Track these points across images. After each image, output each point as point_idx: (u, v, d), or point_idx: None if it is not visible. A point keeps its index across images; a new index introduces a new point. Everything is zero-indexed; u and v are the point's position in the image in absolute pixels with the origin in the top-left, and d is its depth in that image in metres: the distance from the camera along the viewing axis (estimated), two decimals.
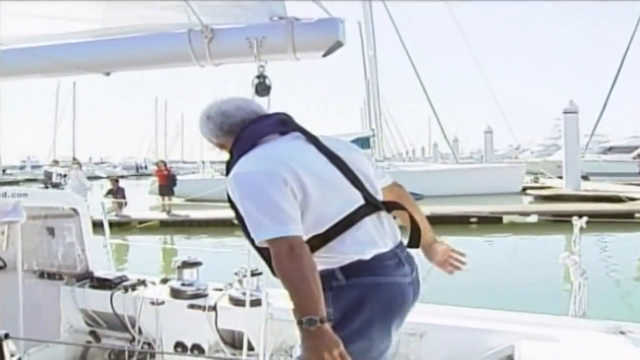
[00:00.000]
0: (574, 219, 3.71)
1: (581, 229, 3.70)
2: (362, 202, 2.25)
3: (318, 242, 2.13)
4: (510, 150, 56.34)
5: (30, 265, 4.85)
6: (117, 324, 4.52)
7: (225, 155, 2.36)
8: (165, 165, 21.50)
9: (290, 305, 1.99)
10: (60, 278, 4.76)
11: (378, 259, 2.19)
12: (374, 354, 2.21)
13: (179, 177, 22.51)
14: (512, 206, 20.26)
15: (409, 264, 2.31)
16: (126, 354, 4.49)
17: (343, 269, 2.14)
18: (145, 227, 18.47)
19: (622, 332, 3.10)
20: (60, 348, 4.58)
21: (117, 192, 19.08)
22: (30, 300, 4.34)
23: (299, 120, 2.41)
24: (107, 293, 4.45)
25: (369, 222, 2.24)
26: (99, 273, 4.71)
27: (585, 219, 3.73)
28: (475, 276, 11.02)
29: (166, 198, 19.74)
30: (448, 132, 34.53)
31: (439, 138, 44.08)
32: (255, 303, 3.76)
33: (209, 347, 4.26)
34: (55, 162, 20.94)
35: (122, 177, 26.67)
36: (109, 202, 18.83)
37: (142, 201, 22.85)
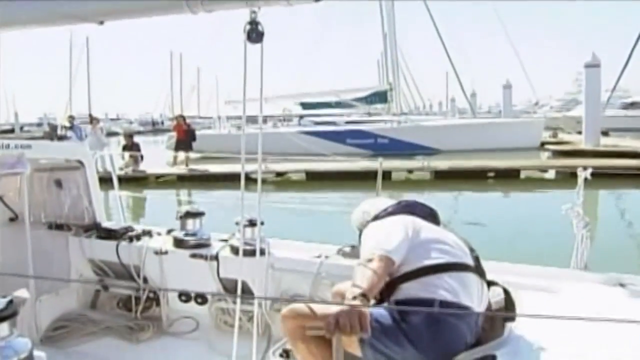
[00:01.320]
0: (579, 170, 3.63)
1: (586, 180, 3.63)
2: None
3: None
4: (529, 105, 55.65)
5: (40, 216, 4.94)
6: (124, 273, 4.63)
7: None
8: (184, 119, 21.36)
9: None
10: (69, 229, 4.85)
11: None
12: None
13: (207, 132, 22.45)
14: (529, 161, 20.00)
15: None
16: (132, 301, 4.60)
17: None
18: (162, 181, 18.57)
19: (622, 285, 3.09)
20: (71, 295, 4.72)
21: (132, 148, 19.12)
22: (41, 251, 4.41)
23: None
24: (113, 243, 4.54)
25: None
26: (106, 224, 4.80)
27: (590, 170, 3.63)
28: (491, 230, 11.04)
29: (181, 153, 19.66)
30: (466, 86, 34.11)
31: (457, 92, 43.59)
32: (255, 253, 3.74)
33: (211, 295, 4.35)
34: (72, 118, 20.88)
35: (138, 132, 26.72)
36: (125, 157, 18.97)
37: (159, 156, 22.92)
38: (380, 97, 30.97)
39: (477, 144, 24.49)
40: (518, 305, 2.74)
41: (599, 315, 2.58)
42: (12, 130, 46.27)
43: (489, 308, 2.66)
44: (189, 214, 4.44)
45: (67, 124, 20.26)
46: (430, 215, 2.93)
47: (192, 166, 19.60)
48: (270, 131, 27.76)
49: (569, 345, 2.40)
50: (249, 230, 3.99)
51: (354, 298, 2.24)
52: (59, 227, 4.91)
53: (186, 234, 4.40)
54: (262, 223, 3.94)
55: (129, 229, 4.73)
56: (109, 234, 4.68)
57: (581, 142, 24.41)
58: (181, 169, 19.33)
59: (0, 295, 2.38)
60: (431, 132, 26.75)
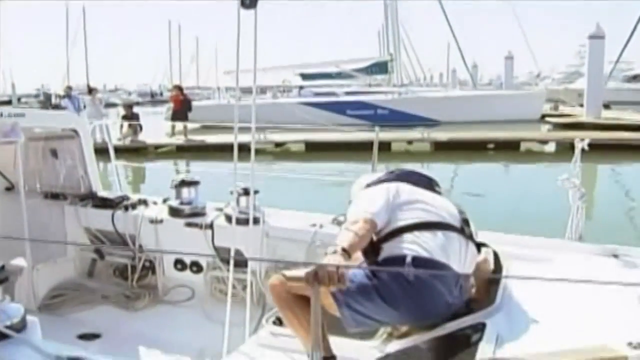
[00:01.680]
0: (576, 141, 3.60)
1: (584, 151, 3.59)
2: None
3: None
4: (530, 77, 55.27)
5: (35, 186, 4.95)
6: (120, 242, 4.66)
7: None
8: (181, 90, 21.14)
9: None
10: (65, 198, 4.87)
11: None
12: (365, 320, 2.44)
13: (194, 103, 22.23)
14: (530, 133, 19.91)
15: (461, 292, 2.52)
16: (129, 270, 4.65)
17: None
18: (161, 152, 18.51)
19: (615, 256, 3.08)
20: (68, 264, 4.77)
21: (131, 118, 19.02)
22: (37, 220, 4.44)
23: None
24: (109, 212, 4.56)
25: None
26: (101, 193, 4.81)
27: (587, 140, 3.61)
28: (489, 202, 11.03)
29: (179, 124, 19.50)
30: (467, 57, 33.82)
31: (458, 64, 43.19)
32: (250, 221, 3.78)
33: (207, 264, 4.40)
34: (69, 89, 20.70)
35: (137, 103, 26.47)
36: (124, 128, 18.89)
37: (159, 127, 22.79)
38: (380, 68, 30.74)
39: (478, 115, 24.36)
40: (506, 268, 2.76)
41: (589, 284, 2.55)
42: (9, 102, 46.08)
43: (478, 269, 2.67)
44: (184, 183, 4.43)
45: (62, 93, 20.08)
46: (428, 184, 2.92)
47: (191, 137, 19.50)
48: (270, 102, 27.62)
49: (560, 313, 2.40)
50: (244, 199, 3.99)
51: (335, 252, 2.27)
52: (55, 196, 4.94)
53: (181, 203, 4.41)
54: (256, 192, 3.97)
55: (124, 198, 4.74)
56: (104, 203, 4.69)
57: (582, 114, 24.27)
58: (180, 140, 19.24)
59: None
60: (431, 104, 26.60)
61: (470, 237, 2.66)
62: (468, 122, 23.02)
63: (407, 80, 36.46)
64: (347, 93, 29.65)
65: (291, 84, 34.65)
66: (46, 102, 36.20)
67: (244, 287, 3.53)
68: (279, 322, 3.27)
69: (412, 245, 2.45)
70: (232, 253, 3.31)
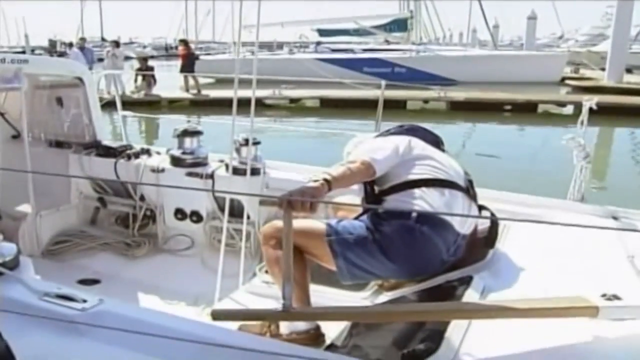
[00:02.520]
0: (584, 100, 3.55)
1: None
2: None
3: None
4: (553, 39, 54.30)
5: (41, 134, 4.96)
6: (122, 190, 4.73)
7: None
8: (186, 43, 21.02)
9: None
10: (69, 147, 4.87)
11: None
12: (358, 271, 2.43)
13: (208, 57, 22.08)
14: (548, 95, 19.55)
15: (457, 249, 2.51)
16: (130, 218, 4.71)
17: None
18: (175, 106, 18.45)
19: (614, 217, 3.06)
20: (71, 211, 4.83)
21: (145, 71, 18.92)
22: (42, 168, 4.48)
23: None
24: (112, 161, 4.57)
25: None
26: (105, 142, 4.81)
27: (595, 99, 3.54)
28: (503, 163, 10.91)
29: (190, 77, 19.39)
30: (489, 17, 33.15)
31: (479, 23, 42.47)
32: (252, 172, 3.80)
33: (206, 214, 4.45)
34: (83, 40, 20.59)
35: (152, 57, 26.26)
36: (138, 81, 18.82)
37: (174, 81, 22.69)
38: (400, 25, 30.30)
39: (496, 76, 24.00)
40: (502, 233, 2.78)
41: (584, 243, 2.61)
42: (23, 52, 46.38)
43: (474, 231, 2.66)
44: (186, 133, 4.42)
45: (67, 42, 20.01)
46: (434, 142, 2.88)
47: (206, 91, 19.40)
48: (286, 57, 27.36)
49: (550, 270, 2.42)
50: (245, 150, 3.98)
51: (316, 181, 2.26)
52: (60, 144, 4.94)
53: (183, 153, 4.40)
54: (258, 143, 4.04)
55: (127, 147, 4.74)
56: (107, 152, 4.69)
57: (603, 78, 23.82)
58: (191, 94, 19.15)
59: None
60: (450, 63, 26.23)
61: (473, 198, 2.65)
62: (486, 82, 22.70)
63: (426, 39, 35.85)
64: (365, 50, 29.31)
65: (308, 40, 34.29)
66: (51, 50, 36.09)
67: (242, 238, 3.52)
68: None
69: (418, 201, 2.42)
70: (227, 202, 3.29)
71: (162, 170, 4.42)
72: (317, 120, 15.77)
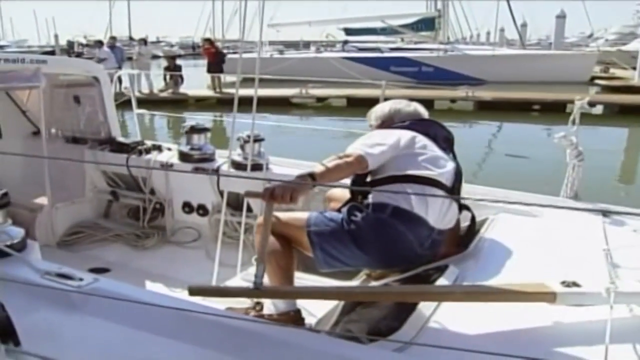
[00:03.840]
0: (576, 99, 3.58)
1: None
2: None
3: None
4: (582, 38, 53.48)
5: (59, 130, 5.25)
6: (134, 184, 4.96)
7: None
8: (211, 42, 21.06)
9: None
10: (85, 143, 5.13)
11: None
12: (334, 261, 2.57)
13: (235, 56, 22.14)
14: (577, 95, 19.24)
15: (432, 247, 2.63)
16: (140, 211, 4.96)
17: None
18: (201, 104, 18.58)
19: (604, 214, 3.10)
20: (86, 204, 5.10)
21: (173, 70, 19.09)
22: (59, 163, 4.73)
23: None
24: (124, 156, 4.80)
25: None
26: (119, 139, 5.05)
27: (587, 99, 3.57)
28: (531, 163, 10.81)
29: (216, 77, 19.45)
30: (517, 15, 32.86)
31: (507, 22, 41.98)
32: (255, 167, 4.02)
33: (212, 207, 4.68)
34: (113, 39, 20.82)
35: (179, 56, 26.51)
36: (166, 79, 18.99)
37: (201, 79, 22.88)
38: (427, 24, 30.13)
39: (524, 76, 23.79)
40: (488, 226, 2.95)
41: (567, 236, 2.76)
42: (52, 52, 47.20)
43: (456, 228, 2.82)
44: (194, 129, 4.63)
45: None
46: (445, 138, 2.95)
47: (231, 90, 19.46)
48: (312, 56, 27.39)
49: (526, 262, 2.53)
50: (255, 146, 4.20)
51: (302, 176, 2.41)
52: (76, 140, 5.21)
53: (191, 149, 4.62)
54: (261, 139, 4.29)
55: (139, 143, 4.98)
56: (120, 147, 4.93)
57: (634, 77, 23.46)
58: (218, 92, 19.23)
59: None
60: (477, 62, 26.04)
61: (456, 199, 2.77)
62: (514, 82, 22.51)
63: (454, 38, 35.66)
64: (392, 49, 29.21)
65: (335, 39, 34.28)
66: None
67: (246, 230, 3.68)
68: None
69: (396, 196, 2.55)
70: (225, 196, 3.47)
71: (171, 166, 4.64)
72: (342, 119, 15.75)
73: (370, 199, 2.59)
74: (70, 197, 4.94)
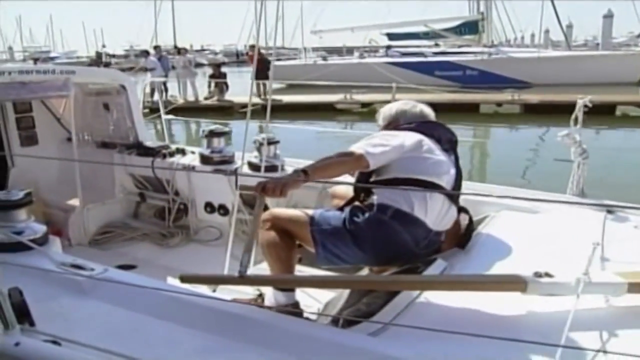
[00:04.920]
0: (578, 98, 3.61)
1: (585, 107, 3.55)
2: None
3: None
4: (630, 38, 52.22)
5: (90, 136, 5.56)
6: (159, 186, 5.21)
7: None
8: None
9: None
10: (114, 147, 5.43)
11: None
12: (333, 259, 2.70)
13: (279, 63, 22.35)
14: (626, 97, 18.85)
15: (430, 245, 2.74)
16: (166, 211, 5.23)
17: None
18: (246, 111, 18.75)
19: (609, 211, 3.10)
20: (115, 205, 5.39)
21: (218, 77, 19.37)
22: (90, 166, 5.08)
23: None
24: (149, 159, 5.09)
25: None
26: (147, 143, 5.35)
27: (589, 97, 3.58)
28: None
29: (261, 83, 19.56)
30: (562, 16, 32.27)
31: (552, 24, 41.29)
32: (271, 169, 4.25)
33: (232, 207, 4.76)
34: (157, 48, 21.26)
35: (223, 63, 26.94)
36: (211, 86, 19.28)
37: (245, 86, 23.15)
38: (470, 27, 29.89)
39: (571, 78, 23.29)
40: (485, 224, 3.03)
41: (572, 232, 2.81)
42: (98, 62, 49.07)
43: (456, 228, 2.89)
44: (213, 133, 4.89)
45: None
46: (449, 140, 3.02)
47: (276, 96, 19.63)
48: (356, 62, 27.45)
49: (518, 257, 2.60)
50: (270, 148, 4.49)
51: (295, 171, 2.52)
52: (106, 145, 5.52)
53: (212, 152, 4.87)
54: (276, 142, 4.57)
55: (164, 147, 5.26)
56: (146, 152, 5.21)
57: None
58: (262, 99, 19.38)
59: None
60: (523, 65, 25.67)
61: (455, 201, 2.86)
62: (561, 84, 22.12)
63: (498, 41, 35.23)
64: (435, 53, 29.05)
65: (378, 44, 34.25)
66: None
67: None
68: None
69: (398, 198, 2.64)
70: (237, 198, 3.72)
71: (193, 168, 4.89)
72: None
73: (374, 200, 2.68)
74: (101, 198, 5.24)
